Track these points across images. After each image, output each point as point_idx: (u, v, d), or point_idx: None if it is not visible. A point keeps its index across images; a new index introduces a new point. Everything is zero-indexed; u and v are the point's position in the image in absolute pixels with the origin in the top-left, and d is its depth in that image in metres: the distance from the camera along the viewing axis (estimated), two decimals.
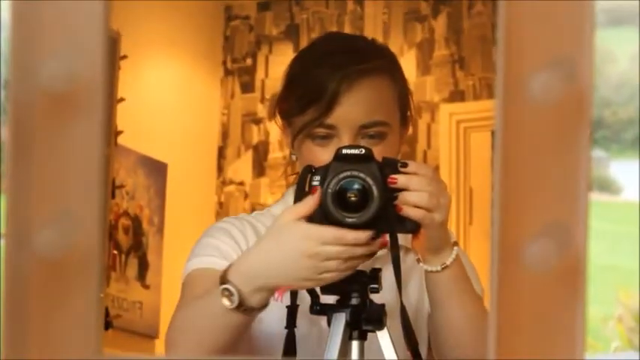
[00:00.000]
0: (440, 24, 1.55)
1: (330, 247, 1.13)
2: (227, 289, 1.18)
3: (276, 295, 1.24)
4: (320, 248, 1.14)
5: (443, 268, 1.19)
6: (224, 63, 1.79)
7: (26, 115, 1.16)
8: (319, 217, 1.18)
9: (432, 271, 1.19)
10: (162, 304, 1.81)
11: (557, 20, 1.17)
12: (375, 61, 1.19)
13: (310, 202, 1.14)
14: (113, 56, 1.16)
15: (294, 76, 1.20)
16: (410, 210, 1.18)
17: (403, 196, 1.18)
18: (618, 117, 1.63)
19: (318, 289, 1.21)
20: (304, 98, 1.18)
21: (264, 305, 1.18)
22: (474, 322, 1.17)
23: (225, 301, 1.18)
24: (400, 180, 1.17)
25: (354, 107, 1.18)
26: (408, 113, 1.19)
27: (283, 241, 1.16)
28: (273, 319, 1.23)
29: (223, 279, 1.18)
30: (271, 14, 1.63)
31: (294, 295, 1.23)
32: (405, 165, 1.17)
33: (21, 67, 1.15)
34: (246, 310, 1.18)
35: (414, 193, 1.18)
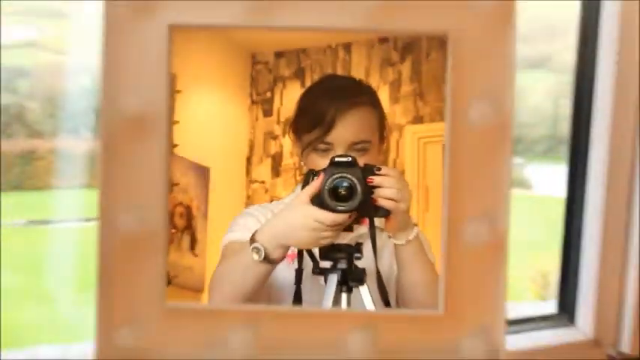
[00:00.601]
0: (405, 67, 1.53)
1: (325, 225, 1.17)
2: (256, 247, 1.20)
3: (288, 259, 1.25)
4: (318, 225, 1.17)
5: (407, 242, 1.20)
6: (250, 95, 1.77)
7: (112, 134, 1.17)
8: (319, 204, 1.20)
9: (399, 244, 1.20)
10: (207, 267, 1.78)
11: (488, 66, 1.18)
12: (362, 96, 1.19)
13: (316, 184, 1.17)
14: (172, 91, 1.16)
15: (304, 106, 1.21)
16: (383, 201, 1.19)
17: (378, 192, 1.19)
18: (531, 135, 1.64)
19: (317, 257, 1.23)
20: (310, 122, 1.19)
21: (282, 258, 1.21)
22: (429, 279, 1.18)
23: (255, 256, 1.20)
24: (376, 180, 1.18)
25: (346, 129, 1.19)
26: (385, 133, 1.20)
27: (295, 217, 1.19)
28: (286, 277, 1.25)
29: (252, 240, 1.21)
30: (284, 60, 1.61)
31: (300, 261, 1.24)
32: (379, 169, 1.19)
33: (108, 100, 1.16)
34: (269, 261, 1.20)
35: (386, 189, 1.19)
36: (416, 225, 1.22)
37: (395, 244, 1.23)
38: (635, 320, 1.58)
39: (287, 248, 1.21)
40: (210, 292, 1.23)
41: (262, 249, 1.21)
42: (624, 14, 1.51)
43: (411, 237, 1.22)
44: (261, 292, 1.27)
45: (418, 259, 1.23)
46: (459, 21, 1.18)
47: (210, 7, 1.18)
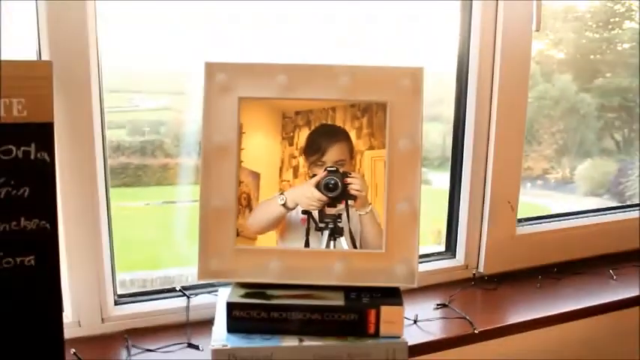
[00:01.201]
0: (364, 120, 1.52)
1: (315, 199, 1.16)
2: (282, 196, 1.19)
3: (302, 222, 1.22)
4: (312, 198, 1.16)
5: (366, 213, 1.18)
6: (281, 135, 1.76)
7: (208, 155, 1.16)
8: (318, 190, 1.19)
9: (361, 214, 1.18)
10: None
11: (408, 119, 1.16)
12: (340, 135, 1.18)
13: (318, 178, 1.15)
14: (240, 132, 1.15)
15: (310, 141, 1.19)
16: (353, 191, 1.17)
17: (350, 186, 1.18)
18: (431, 156, 1.64)
19: (317, 220, 1.21)
20: (313, 150, 1.18)
21: (292, 209, 1.19)
22: (377, 233, 1.16)
23: (279, 200, 1.19)
24: (348, 180, 1.17)
25: (332, 154, 1.17)
26: (353, 155, 1.18)
27: (304, 191, 1.18)
28: (300, 231, 1.22)
29: (281, 193, 1.19)
30: (300, 116, 1.59)
31: (308, 222, 1.21)
32: (350, 174, 1.18)
33: (206, 137, 1.14)
34: (285, 207, 1.18)
35: (354, 185, 1.17)
36: (370, 204, 1.21)
37: (359, 215, 1.21)
38: (486, 255, 1.57)
39: (297, 204, 1.19)
40: (249, 219, 1.21)
41: (285, 198, 1.19)
42: (479, 93, 1.50)
43: (367, 210, 1.21)
44: (288, 236, 1.24)
45: (372, 222, 1.21)
46: (393, 95, 1.18)
47: (261, 87, 1.17)
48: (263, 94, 1.18)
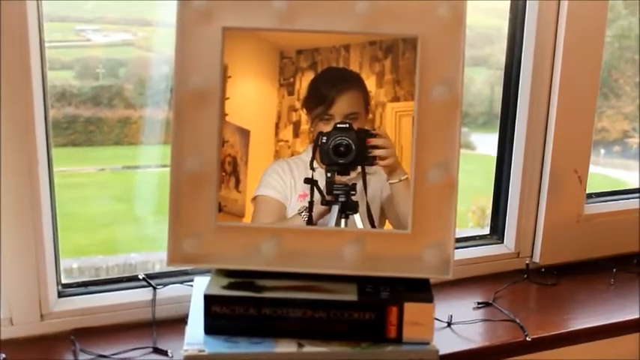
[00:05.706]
0: (387, 63, 1.50)
1: None
2: (304, 214, 1.20)
3: (300, 198, 1.24)
4: None
5: (399, 181, 1.18)
6: (279, 80, 1.73)
7: (182, 104, 1.17)
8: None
9: (392, 183, 1.19)
10: (247, 200, 1.76)
11: (445, 60, 1.17)
12: (351, 81, 1.19)
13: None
14: (224, 75, 1.15)
15: (312, 89, 1.20)
16: (379, 156, 1.18)
17: (378, 151, 1.18)
18: (474, 112, 1.65)
19: (325, 192, 1.21)
20: (316, 102, 1.19)
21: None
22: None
23: (303, 218, 1.20)
24: (374, 141, 1.18)
25: (342, 106, 1.18)
26: (368, 107, 1.18)
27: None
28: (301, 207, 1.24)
29: (301, 212, 1.19)
30: (303, 56, 1.56)
31: (311, 195, 1.22)
32: (375, 132, 1.18)
33: (179, 80, 1.16)
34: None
35: (381, 151, 1.18)
36: (407, 174, 1.21)
37: (390, 183, 1.22)
38: (543, 241, 1.58)
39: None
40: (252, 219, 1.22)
41: (307, 216, 1.21)
42: (540, 29, 1.50)
43: (402, 178, 1.21)
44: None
45: (407, 193, 1.22)
46: (426, 28, 1.17)
47: (253, 15, 1.18)
48: (255, 23, 1.18)
